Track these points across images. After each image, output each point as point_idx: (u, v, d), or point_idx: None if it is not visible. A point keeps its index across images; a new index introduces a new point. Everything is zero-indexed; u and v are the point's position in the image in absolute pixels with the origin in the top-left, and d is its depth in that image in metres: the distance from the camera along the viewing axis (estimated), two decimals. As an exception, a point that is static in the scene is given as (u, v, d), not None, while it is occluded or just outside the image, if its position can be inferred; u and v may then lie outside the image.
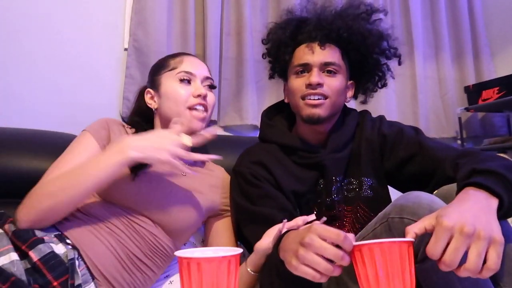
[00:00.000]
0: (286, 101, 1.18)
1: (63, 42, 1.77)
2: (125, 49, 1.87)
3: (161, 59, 1.21)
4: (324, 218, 0.90)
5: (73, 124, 1.67)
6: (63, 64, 1.76)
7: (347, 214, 1.10)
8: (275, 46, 1.17)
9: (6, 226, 0.93)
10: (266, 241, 0.92)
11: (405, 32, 2.43)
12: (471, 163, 0.81)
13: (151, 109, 1.17)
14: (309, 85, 1.05)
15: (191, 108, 1.09)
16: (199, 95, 1.09)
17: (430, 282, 0.76)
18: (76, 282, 0.89)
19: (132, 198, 1.01)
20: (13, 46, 1.68)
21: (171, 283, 1.15)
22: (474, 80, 2.50)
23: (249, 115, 1.97)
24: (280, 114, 1.23)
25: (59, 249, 0.92)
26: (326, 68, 1.07)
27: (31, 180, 1.28)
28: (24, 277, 0.84)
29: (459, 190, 0.75)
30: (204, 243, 1.26)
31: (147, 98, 1.17)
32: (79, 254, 0.95)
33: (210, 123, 1.92)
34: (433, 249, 0.62)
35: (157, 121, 1.18)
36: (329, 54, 1.08)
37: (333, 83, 1.07)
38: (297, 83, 1.09)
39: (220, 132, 1.97)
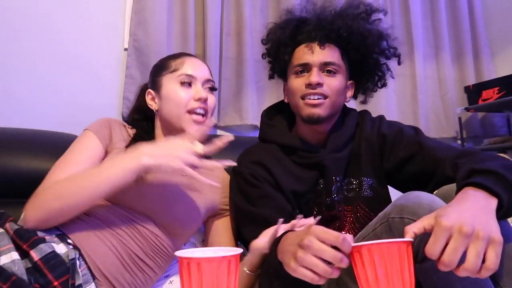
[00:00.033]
0: (286, 101, 1.19)
1: (63, 42, 1.77)
2: (125, 49, 1.87)
3: (162, 60, 1.20)
4: (318, 217, 0.91)
5: (73, 124, 1.67)
6: (63, 64, 1.76)
7: (347, 214, 1.10)
8: (275, 46, 1.17)
9: (7, 225, 0.93)
10: (262, 240, 0.92)
11: (405, 32, 2.43)
12: (470, 163, 0.81)
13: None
14: (309, 85, 1.05)
15: (191, 111, 1.09)
16: (199, 99, 1.09)
17: (430, 282, 0.76)
18: (77, 282, 0.89)
19: (134, 198, 1.01)
20: (13, 46, 1.68)
21: (171, 283, 1.15)
22: (474, 80, 2.50)
23: (249, 115, 1.98)
24: (280, 114, 1.23)
25: (60, 249, 0.92)
26: (326, 68, 1.07)
27: (31, 180, 1.28)
28: (25, 277, 0.84)
29: (458, 190, 0.75)
30: (204, 243, 1.26)
31: (148, 99, 1.17)
32: (80, 254, 0.95)
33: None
34: (432, 249, 0.62)
35: (157, 122, 1.18)
36: (329, 54, 1.08)
37: (333, 83, 1.07)
38: (297, 83, 1.09)
39: (220, 132, 1.97)
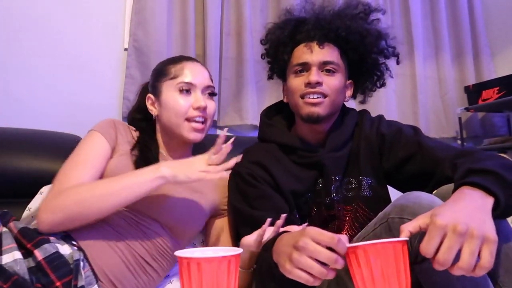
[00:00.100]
0: (285, 101, 1.19)
1: (63, 42, 1.77)
2: (125, 49, 1.87)
3: (162, 64, 1.19)
4: (305, 225, 0.90)
5: (73, 124, 1.68)
6: (63, 64, 1.76)
7: (346, 214, 1.10)
8: (274, 46, 1.17)
9: (11, 224, 0.94)
10: (251, 238, 0.91)
11: (405, 32, 2.43)
12: (468, 163, 0.81)
13: None
14: (308, 84, 1.05)
15: (190, 119, 1.10)
16: (198, 108, 1.09)
17: (430, 282, 0.76)
18: (80, 284, 0.90)
19: (140, 201, 1.01)
20: (13, 46, 1.68)
21: (171, 282, 1.15)
22: (474, 80, 2.50)
23: (249, 115, 1.98)
24: (280, 114, 1.23)
25: (65, 250, 0.93)
26: (325, 67, 1.08)
27: (31, 180, 1.29)
28: (27, 276, 0.84)
29: (455, 189, 0.75)
30: (204, 243, 1.26)
31: (148, 103, 1.17)
32: (85, 256, 0.96)
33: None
34: (426, 247, 0.62)
35: (157, 126, 1.19)
36: (328, 53, 1.08)
37: (332, 82, 1.07)
38: (296, 82, 1.09)
39: (220, 132, 1.97)
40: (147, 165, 1.01)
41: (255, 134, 1.25)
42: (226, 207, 1.19)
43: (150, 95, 1.17)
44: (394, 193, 1.09)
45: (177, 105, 1.09)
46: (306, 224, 0.97)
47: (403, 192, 1.10)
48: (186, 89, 1.10)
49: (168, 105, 1.10)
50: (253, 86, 2.02)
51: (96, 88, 1.81)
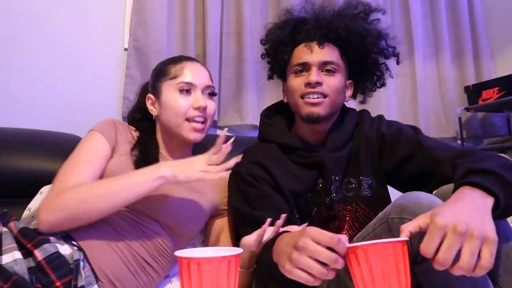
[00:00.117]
0: (285, 101, 1.19)
1: (63, 42, 1.77)
2: (125, 49, 1.87)
3: (162, 64, 1.19)
4: (305, 225, 0.90)
5: (73, 124, 1.68)
6: (63, 64, 1.76)
7: (346, 214, 1.10)
8: (274, 46, 1.17)
9: (11, 224, 0.94)
10: (252, 237, 0.91)
11: (405, 31, 2.43)
12: (468, 163, 0.81)
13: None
14: (308, 84, 1.05)
15: (190, 119, 1.10)
16: (198, 108, 1.09)
17: (430, 282, 0.76)
18: (80, 284, 0.90)
19: (140, 201, 1.01)
20: (13, 46, 1.68)
21: (171, 282, 1.15)
22: (474, 80, 2.50)
23: (249, 115, 1.98)
24: (280, 114, 1.23)
25: (65, 250, 0.93)
26: (325, 67, 1.08)
27: (31, 180, 1.29)
28: (27, 276, 0.85)
29: (455, 189, 0.75)
30: (204, 243, 1.26)
31: (148, 103, 1.17)
32: (85, 256, 0.96)
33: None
34: (427, 247, 0.62)
35: (157, 126, 1.19)
36: (328, 53, 1.08)
37: (332, 82, 1.07)
38: (296, 82, 1.09)
39: (220, 132, 1.97)
40: (148, 165, 1.01)
41: (255, 134, 1.25)
42: (226, 207, 1.19)
43: (150, 95, 1.17)
44: (394, 193, 1.09)
45: (177, 105, 1.09)
46: (306, 224, 0.97)
47: (403, 192, 1.09)
48: (186, 89, 1.10)
49: (168, 105, 1.10)
50: (253, 86, 2.02)
51: (96, 88, 1.81)
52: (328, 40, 1.09)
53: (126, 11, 1.89)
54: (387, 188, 1.15)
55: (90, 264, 0.96)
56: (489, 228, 0.64)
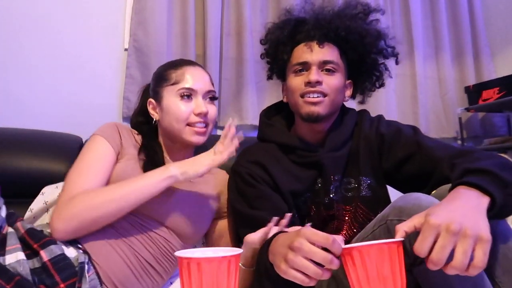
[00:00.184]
0: (285, 100, 1.19)
1: (63, 42, 1.77)
2: (125, 49, 1.87)
3: (163, 68, 1.19)
4: (309, 224, 0.91)
5: (73, 124, 1.68)
6: (63, 64, 1.76)
7: (345, 214, 1.10)
8: (274, 45, 1.17)
9: (19, 224, 0.94)
10: (256, 235, 0.92)
11: (405, 31, 2.43)
12: (465, 163, 0.81)
13: None
14: (308, 83, 1.05)
15: (191, 125, 1.10)
16: (199, 114, 1.10)
17: (430, 283, 0.76)
18: (83, 286, 0.90)
19: (147, 205, 1.02)
20: (13, 46, 1.68)
21: (171, 283, 1.15)
22: (474, 80, 2.50)
23: (249, 115, 1.98)
24: (279, 114, 1.23)
25: (70, 252, 0.94)
26: (325, 66, 1.08)
27: (31, 180, 1.29)
28: (29, 277, 0.85)
29: (451, 189, 0.75)
30: (205, 244, 1.26)
31: (149, 108, 1.18)
32: (90, 259, 0.97)
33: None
34: (420, 247, 0.62)
35: (160, 130, 1.19)
36: (328, 53, 1.08)
37: (332, 81, 1.07)
38: (296, 81, 1.09)
39: (220, 132, 1.97)
40: (156, 168, 1.03)
41: (255, 134, 1.25)
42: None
43: (151, 99, 1.17)
44: (394, 193, 1.09)
45: (178, 110, 1.09)
46: (309, 224, 0.97)
47: (403, 192, 1.10)
48: (187, 95, 1.10)
49: (170, 111, 1.11)
50: (253, 86, 2.02)
51: (96, 88, 1.81)
52: (328, 39, 1.09)
53: (126, 11, 1.89)
54: (386, 188, 1.15)
55: (94, 268, 0.96)
56: (483, 228, 0.64)
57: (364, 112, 1.21)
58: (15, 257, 0.87)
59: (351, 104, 1.27)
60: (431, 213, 0.65)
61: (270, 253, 0.75)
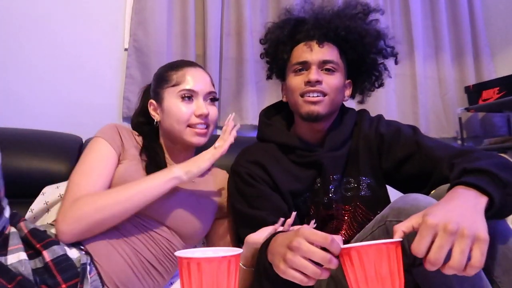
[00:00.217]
0: (284, 100, 1.19)
1: (63, 42, 1.77)
2: (125, 49, 1.87)
3: (163, 69, 1.19)
4: (313, 221, 0.91)
5: (73, 124, 1.68)
6: (63, 64, 1.76)
7: (345, 214, 1.10)
8: (273, 45, 1.18)
9: (22, 224, 0.95)
10: (257, 235, 0.92)
11: (405, 31, 2.43)
12: (464, 163, 0.81)
13: None
14: (308, 83, 1.06)
15: (192, 126, 1.10)
16: (200, 115, 1.10)
17: (429, 284, 0.76)
18: (85, 287, 0.90)
19: (149, 205, 1.02)
20: (13, 46, 1.68)
21: (171, 284, 1.15)
22: (474, 80, 2.50)
23: (249, 115, 1.98)
24: (279, 114, 1.23)
25: (73, 253, 0.94)
26: (325, 66, 1.08)
27: (31, 180, 1.29)
28: (31, 277, 0.85)
29: (449, 189, 0.75)
30: (206, 244, 1.26)
31: (150, 109, 1.18)
32: (92, 260, 0.97)
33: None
34: (418, 247, 0.62)
35: (160, 131, 1.20)
36: (328, 52, 1.08)
37: (332, 81, 1.07)
38: (296, 81, 1.09)
39: (220, 132, 1.97)
40: (158, 169, 1.04)
41: (255, 134, 1.25)
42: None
43: (152, 101, 1.17)
44: (394, 193, 1.09)
45: (179, 112, 1.10)
46: (313, 221, 0.97)
47: (403, 192, 1.10)
48: (188, 96, 1.11)
49: (170, 112, 1.11)
50: (253, 86, 2.02)
51: (96, 88, 1.81)
52: (328, 39, 1.10)
53: (126, 11, 1.89)
54: (386, 188, 1.15)
55: (96, 269, 0.97)
56: (481, 228, 0.64)
57: (363, 112, 1.21)
58: (17, 257, 0.87)
59: (351, 104, 1.27)
60: (429, 213, 0.65)
61: (269, 253, 0.75)
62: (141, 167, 1.08)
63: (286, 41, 1.14)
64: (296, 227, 0.87)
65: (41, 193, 1.23)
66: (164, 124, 1.14)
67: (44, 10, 1.75)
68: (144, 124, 1.22)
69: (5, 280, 0.80)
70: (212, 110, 1.13)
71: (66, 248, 0.93)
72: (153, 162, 1.10)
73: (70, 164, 1.39)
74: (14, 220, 0.96)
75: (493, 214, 0.71)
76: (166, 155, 1.17)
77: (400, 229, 0.66)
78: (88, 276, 0.93)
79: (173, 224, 1.07)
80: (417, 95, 2.38)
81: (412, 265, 0.76)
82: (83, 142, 1.50)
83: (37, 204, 1.19)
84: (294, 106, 1.12)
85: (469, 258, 0.61)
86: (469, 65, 2.52)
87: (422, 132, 1.12)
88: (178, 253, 0.61)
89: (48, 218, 1.17)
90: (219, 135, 1.11)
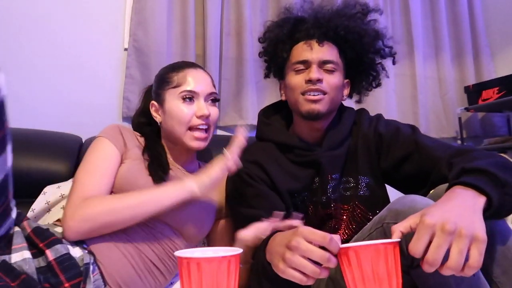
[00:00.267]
0: (283, 99, 1.19)
1: (63, 42, 1.77)
2: (125, 49, 1.87)
3: (165, 71, 1.19)
4: (300, 215, 0.90)
5: (73, 124, 1.68)
6: (63, 64, 1.76)
7: (343, 213, 1.10)
8: (273, 44, 1.18)
9: (25, 223, 0.95)
10: (247, 232, 0.91)
11: (405, 31, 2.43)
12: (462, 162, 0.81)
13: None
14: (309, 81, 1.06)
15: (193, 128, 1.11)
16: (201, 116, 1.10)
17: (427, 284, 0.76)
18: (88, 287, 0.91)
19: None
20: (13, 46, 1.68)
21: (172, 284, 1.15)
22: (474, 80, 2.50)
23: (249, 115, 1.98)
24: (278, 113, 1.23)
25: (76, 252, 0.94)
26: (325, 66, 1.08)
27: (31, 180, 1.29)
28: (35, 276, 0.86)
29: (448, 189, 0.75)
30: (206, 244, 1.26)
31: (152, 110, 1.18)
32: (95, 259, 0.97)
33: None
34: (415, 247, 0.62)
35: (162, 133, 1.20)
36: (328, 52, 1.09)
37: (332, 80, 1.08)
38: (297, 79, 1.09)
39: (220, 132, 1.97)
40: (160, 169, 1.06)
41: (255, 134, 1.25)
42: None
43: (154, 102, 1.18)
44: (394, 193, 1.09)
45: (180, 113, 1.10)
46: (301, 217, 0.96)
47: (402, 191, 1.10)
48: (189, 97, 1.11)
49: (172, 114, 1.11)
50: (253, 86, 2.02)
51: (96, 88, 1.81)
52: (327, 38, 1.10)
53: (126, 11, 1.89)
54: (385, 187, 1.15)
55: (99, 268, 0.97)
56: (479, 228, 0.63)
57: (362, 111, 1.21)
58: (21, 256, 0.87)
59: (351, 104, 1.27)
60: (426, 213, 0.65)
61: (268, 252, 0.75)
62: (144, 167, 1.09)
63: (285, 40, 1.14)
64: (288, 221, 0.87)
65: (42, 192, 1.23)
66: (165, 125, 1.15)
67: (44, 10, 1.75)
68: (145, 124, 1.22)
69: (9, 279, 0.81)
70: (213, 111, 1.14)
71: (69, 246, 0.94)
72: (156, 161, 1.10)
73: (70, 164, 1.39)
74: (18, 219, 0.96)
75: (491, 214, 0.70)
76: (168, 156, 1.18)
77: (398, 229, 0.66)
78: (91, 276, 0.93)
79: (176, 223, 1.08)
80: (417, 95, 2.38)
81: (410, 266, 0.76)
82: (83, 142, 1.50)
83: (38, 203, 1.19)
84: (294, 104, 1.12)
85: (466, 259, 0.61)
86: (469, 65, 2.52)
87: (422, 132, 1.12)
88: (178, 253, 0.61)
89: (49, 218, 1.17)
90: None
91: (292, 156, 1.12)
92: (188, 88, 1.11)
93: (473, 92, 2.38)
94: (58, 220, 1.10)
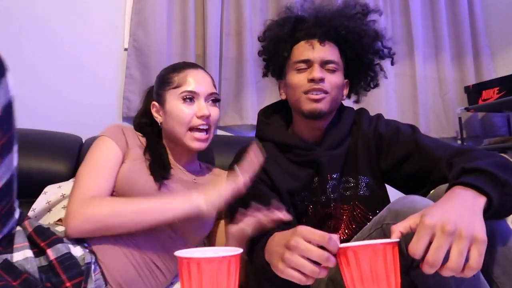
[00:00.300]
0: (283, 98, 1.19)
1: (63, 42, 1.77)
2: (125, 49, 1.87)
3: (166, 71, 1.19)
4: (282, 206, 0.89)
5: (73, 124, 1.68)
6: (63, 64, 1.76)
7: (343, 213, 1.10)
8: (273, 43, 1.18)
9: (26, 222, 0.95)
10: (238, 227, 0.91)
11: (405, 32, 2.43)
12: (462, 162, 0.81)
13: None
14: (312, 80, 1.06)
15: (193, 128, 1.11)
16: (202, 116, 1.10)
17: (427, 285, 0.76)
18: (89, 286, 0.91)
19: None
20: (13, 46, 1.68)
21: (172, 284, 1.15)
22: (474, 80, 2.50)
23: (249, 115, 1.98)
24: (277, 113, 1.23)
25: (77, 251, 0.94)
26: (326, 66, 1.08)
27: (31, 180, 1.29)
28: (37, 275, 0.86)
29: (448, 189, 0.74)
30: (206, 244, 1.27)
31: (153, 111, 1.19)
32: (96, 259, 0.97)
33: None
34: (415, 247, 0.61)
35: (163, 133, 1.20)
36: (329, 52, 1.09)
37: (333, 79, 1.08)
38: (299, 78, 1.09)
39: (220, 132, 1.97)
40: (162, 169, 1.06)
41: (254, 134, 1.25)
42: (227, 209, 1.20)
43: (155, 102, 1.18)
44: (393, 193, 1.09)
45: (181, 114, 1.10)
46: (285, 209, 0.95)
47: (402, 191, 1.10)
48: (190, 98, 1.11)
49: (172, 114, 1.12)
50: (253, 86, 2.02)
51: (96, 88, 1.81)
52: (328, 38, 1.10)
53: (126, 11, 1.89)
54: (385, 187, 1.15)
55: (100, 268, 0.97)
56: (479, 228, 0.63)
57: (362, 111, 1.21)
58: (22, 255, 0.87)
59: (351, 104, 1.27)
60: (426, 213, 0.64)
61: (267, 252, 0.75)
62: (145, 166, 1.09)
63: (286, 39, 1.14)
64: (275, 214, 0.86)
65: (42, 192, 1.23)
66: (166, 125, 1.15)
67: (44, 10, 1.75)
68: (147, 125, 1.23)
69: (11, 278, 0.81)
70: (213, 111, 1.14)
71: (70, 246, 0.94)
72: (157, 161, 1.10)
73: (70, 164, 1.39)
74: (19, 218, 0.96)
75: (491, 214, 0.70)
76: (169, 156, 1.18)
77: (398, 229, 0.65)
78: (92, 275, 0.93)
79: (178, 224, 1.07)
80: (417, 95, 2.37)
81: (410, 267, 0.76)
82: (83, 142, 1.50)
83: (39, 203, 1.20)
84: (295, 103, 1.11)
85: (467, 259, 0.61)
86: (469, 65, 2.52)
87: (422, 132, 1.12)
88: (178, 253, 0.61)
89: (50, 217, 1.17)
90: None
91: (292, 155, 1.12)
92: (189, 89, 1.11)
93: (473, 92, 2.38)
94: (59, 220, 1.10)
